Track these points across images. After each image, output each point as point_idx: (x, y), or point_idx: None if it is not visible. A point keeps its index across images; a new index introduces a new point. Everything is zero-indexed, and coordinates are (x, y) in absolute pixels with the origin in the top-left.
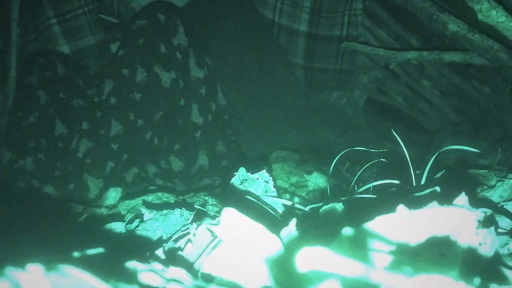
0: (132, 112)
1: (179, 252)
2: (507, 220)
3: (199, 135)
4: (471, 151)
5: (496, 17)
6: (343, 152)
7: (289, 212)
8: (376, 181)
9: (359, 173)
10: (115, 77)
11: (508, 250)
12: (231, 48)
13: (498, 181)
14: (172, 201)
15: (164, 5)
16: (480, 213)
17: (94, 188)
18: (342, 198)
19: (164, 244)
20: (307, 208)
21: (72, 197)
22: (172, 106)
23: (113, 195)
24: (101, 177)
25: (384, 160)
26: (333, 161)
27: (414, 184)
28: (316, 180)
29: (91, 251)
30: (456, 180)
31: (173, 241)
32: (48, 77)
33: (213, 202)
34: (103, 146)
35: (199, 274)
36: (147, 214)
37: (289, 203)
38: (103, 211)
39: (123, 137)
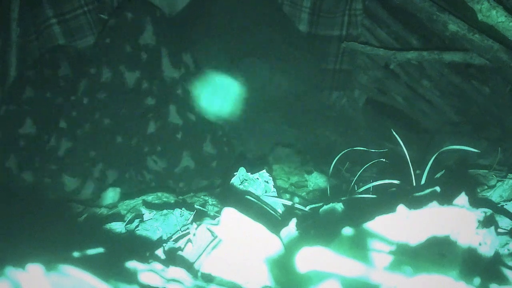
0: (98, 111)
1: (179, 252)
2: (507, 220)
3: (181, 136)
4: (471, 151)
5: (496, 17)
6: (343, 152)
7: (289, 212)
8: (376, 181)
9: (359, 173)
10: (85, 77)
11: (508, 250)
12: (225, 45)
13: (498, 181)
14: (172, 201)
15: (136, 3)
16: (480, 213)
17: (70, 183)
18: (342, 198)
19: (164, 244)
20: (307, 208)
21: (49, 189)
22: (138, 105)
23: (111, 194)
24: (77, 174)
25: (384, 160)
26: (333, 161)
27: (414, 184)
28: (316, 180)
29: (91, 251)
30: (456, 180)
31: (173, 241)
32: (46, 75)
33: (213, 202)
34: (78, 143)
35: (199, 274)
36: (147, 214)
37: (289, 203)
38: (103, 211)
39: (90, 135)
